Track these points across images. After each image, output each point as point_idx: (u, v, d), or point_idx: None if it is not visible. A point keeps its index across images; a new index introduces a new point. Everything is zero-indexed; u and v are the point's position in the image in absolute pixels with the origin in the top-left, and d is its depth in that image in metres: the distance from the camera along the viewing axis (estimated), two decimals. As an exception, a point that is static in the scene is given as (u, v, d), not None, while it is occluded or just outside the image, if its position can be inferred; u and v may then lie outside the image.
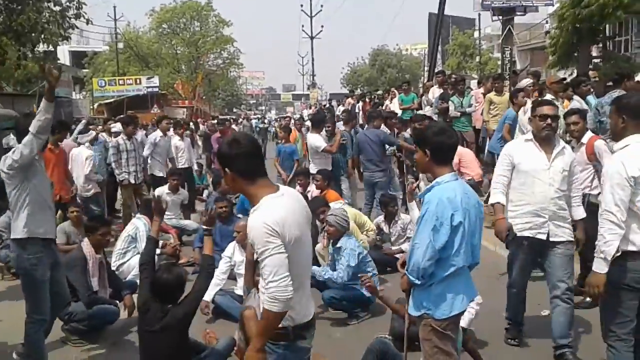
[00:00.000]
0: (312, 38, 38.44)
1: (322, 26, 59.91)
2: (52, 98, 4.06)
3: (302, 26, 41.32)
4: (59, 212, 7.31)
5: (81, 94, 47.75)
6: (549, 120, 4.25)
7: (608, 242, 3.27)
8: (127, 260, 6.38)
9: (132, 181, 8.80)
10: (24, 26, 17.49)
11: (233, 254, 5.62)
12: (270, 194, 2.56)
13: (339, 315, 5.31)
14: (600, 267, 3.32)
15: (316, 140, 8.36)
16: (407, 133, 11.51)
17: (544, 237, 4.30)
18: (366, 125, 9.56)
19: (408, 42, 65.84)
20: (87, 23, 21.54)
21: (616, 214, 3.26)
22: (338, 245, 5.23)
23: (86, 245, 5.07)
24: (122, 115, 24.45)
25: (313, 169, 8.26)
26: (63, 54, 51.18)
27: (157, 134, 9.95)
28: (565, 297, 4.28)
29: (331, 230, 5.29)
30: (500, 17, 10.69)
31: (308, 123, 15.01)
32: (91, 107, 38.67)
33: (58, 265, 4.33)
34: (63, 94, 36.82)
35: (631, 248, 3.31)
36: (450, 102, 10.47)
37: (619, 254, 3.30)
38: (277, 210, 2.49)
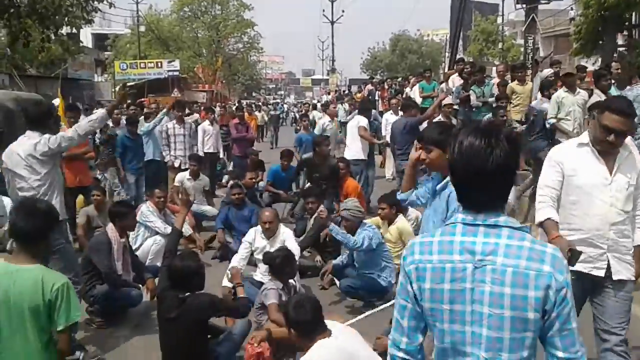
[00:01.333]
0: (332, 23, 38.27)
1: (342, 11, 59.30)
2: (112, 114, 4.53)
3: (323, 11, 41.19)
4: (80, 196, 7.48)
5: (103, 76, 48.14)
6: (611, 137, 3.22)
7: None
8: (139, 245, 6.54)
9: (177, 165, 9.37)
10: (48, 9, 17.67)
11: (254, 240, 5.71)
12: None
13: (356, 303, 5.40)
14: None
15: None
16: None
17: (601, 273, 3.38)
18: (400, 114, 9.44)
19: (429, 28, 65.01)
20: (110, 6, 21.67)
21: None
22: (355, 236, 5.30)
23: (111, 230, 5.21)
24: (142, 99, 24.69)
25: (349, 155, 8.75)
26: (85, 37, 51.54)
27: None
28: (620, 350, 3.36)
29: (348, 225, 5.37)
30: (524, 5, 10.56)
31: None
32: (113, 90, 39.01)
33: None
34: (85, 76, 37.32)
35: None
36: (471, 92, 10.41)
37: None
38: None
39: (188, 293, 3.94)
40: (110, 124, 9.95)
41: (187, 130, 9.70)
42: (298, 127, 12.40)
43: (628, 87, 7.42)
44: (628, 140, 3.43)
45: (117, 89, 37.48)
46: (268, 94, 73.81)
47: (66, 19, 19.88)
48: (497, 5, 35.33)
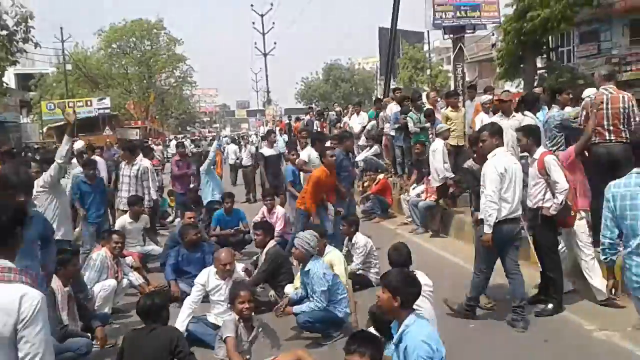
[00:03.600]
0: (265, 55, 38.60)
1: (274, 42, 60.33)
2: (72, 134, 5.60)
3: (255, 43, 41.43)
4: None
5: (29, 117, 46.34)
6: None
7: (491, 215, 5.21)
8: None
9: (122, 208, 9.01)
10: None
11: (207, 281, 5.59)
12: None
13: (314, 336, 5.37)
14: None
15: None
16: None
17: None
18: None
19: (360, 56, 66.84)
20: (36, 47, 21.20)
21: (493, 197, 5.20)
22: (306, 268, 5.30)
23: (55, 280, 4.98)
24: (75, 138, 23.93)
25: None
26: (8, 77, 49.48)
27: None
28: None
29: (297, 253, 5.37)
30: (452, 35, 11.09)
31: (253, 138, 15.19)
32: (40, 131, 37.59)
33: None
34: (10, 118, 35.73)
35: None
36: (408, 119, 10.75)
37: (497, 220, 5.21)
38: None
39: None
40: None
41: (135, 171, 9.29)
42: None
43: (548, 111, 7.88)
44: None
45: (44, 130, 36.20)
46: (203, 127, 73.15)
47: (-12, 60, 19.21)
48: (422, 33, 36.75)
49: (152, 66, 47.72)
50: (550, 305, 5.60)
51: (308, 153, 9.10)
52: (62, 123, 34.94)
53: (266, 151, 11.88)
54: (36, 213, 3.57)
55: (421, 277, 4.65)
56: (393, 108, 11.62)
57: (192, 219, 7.67)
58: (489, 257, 5.47)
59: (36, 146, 25.94)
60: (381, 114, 12.40)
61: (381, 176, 11.32)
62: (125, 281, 6.64)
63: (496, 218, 5.21)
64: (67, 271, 5.07)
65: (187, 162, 11.92)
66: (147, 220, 8.77)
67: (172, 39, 48.04)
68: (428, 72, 34.01)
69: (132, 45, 48.25)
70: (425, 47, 37.12)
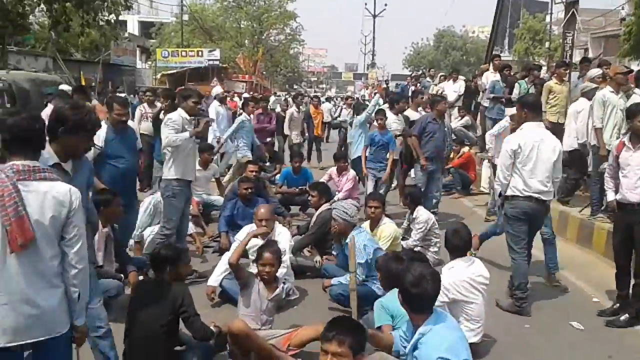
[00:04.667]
0: (374, 16, 37.62)
1: (385, 4, 58.69)
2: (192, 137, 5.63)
3: (365, 4, 40.48)
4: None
5: (147, 63, 48.81)
6: None
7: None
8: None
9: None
10: (85, -7, 17.82)
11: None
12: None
13: (347, 310, 5.00)
14: None
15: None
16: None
17: None
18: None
19: (475, 24, 63.52)
20: (149, -7, 21.81)
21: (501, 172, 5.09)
22: (347, 239, 4.91)
23: (94, 219, 4.97)
24: (182, 87, 24.85)
25: None
26: (132, 24, 52.52)
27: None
28: None
29: (336, 226, 4.98)
30: (564, 0, 9.89)
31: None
32: (154, 76, 39.44)
33: None
34: (128, 62, 37.82)
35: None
36: (516, 85, 9.85)
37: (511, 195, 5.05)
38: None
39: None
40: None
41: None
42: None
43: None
44: None
45: (158, 76, 37.95)
46: (309, 87, 73.60)
47: (105, 4, 20.06)
48: (546, 3, 34.00)
49: (264, 22, 48.21)
50: (625, 316, 4.83)
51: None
52: (174, 71, 36.67)
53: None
54: (85, 160, 3.41)
55: (477, 266, 4.14)
56: (489, 76, 10.66)
57: (253, 173, 7.48)
58: (515, 238, 5.14)
59: (146, 89, 27.17)
60: (478, 81, 11.42)
61: (465, 149, 10.52)
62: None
63: (506, 193, 5.03)
64: (108, 211, 5.02)
65: (269, 117, 11.81)
66: (216, 170, 8.73)
67: (285, -5, 48.12)
68: (547, 44, 31.46)
69: (246, 0, 48.95)
70: (548, 19, 34.35)
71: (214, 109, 11.46)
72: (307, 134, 13.97)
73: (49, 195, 2.59)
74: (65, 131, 3.02)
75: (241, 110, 12.71)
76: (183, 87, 16.34)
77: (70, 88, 7.69)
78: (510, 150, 4.98)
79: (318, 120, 14.58)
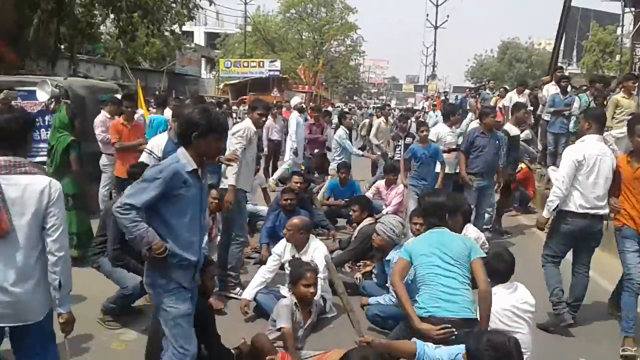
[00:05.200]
0: (436, 28, 37.04)
1: (447, 16, 57.89)
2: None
3: (427, 15, 39.95)
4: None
5: (211, 73, 50.04)
6: None
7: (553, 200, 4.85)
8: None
9: None
10: (148, 3, 18.34)
11: (284, 252, 5.23)
12: None
13: (384, 333, 4.73)
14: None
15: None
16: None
17: None
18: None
19: (542, 37, 61.47)
20: (210, 4, 22.31)
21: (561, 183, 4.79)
22: (387, 257, 4.65)
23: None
24: (244, 97, 25.09)
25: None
26: (199, 35, 54.09)
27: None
28: None
29: (378, 240, 4.71)
30: (633, 9, 9.27)
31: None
32: (217, 86, 40.33)
33: None
34: (192, 72, 38.86)
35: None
36: (576, 98, 9.29)
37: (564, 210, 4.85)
38: None
39: None
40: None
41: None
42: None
43: None
44: None
45: (220, 86, 38.78)
46: (369, 98, 73.34)
47: (169, 15, 20.63)
48: (617, 15, 32.37)
49: (325, 33, 48.52)
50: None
51: (436, 131, 8.24)
52: (236, 81, 37.41)
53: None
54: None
55: (521, 293, 3.81)
56: (550, 89, 10.12)
57: (297, 184, 7.32)
58: (556, 247, 5.02)
59: (210, 100, 27.77)
60: (539, 94, 10.87)
61: (523, 165, 9.99)
62: (219, 238, 6.51)
63: (559, 206, 4.82)
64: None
65: (321, 127, 11.66)
66: (262, 180, 8.65)
67: (346, 7, 48.30)
68: (617, 57, 29.87)
69: (308, 12, 49.45)
70: (619, 31, 32.69)
71: (295, 119, 11.53)
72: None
73: (29, 188, 2.74)
74: (197, 136, 3.05)
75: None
76: (245, 97, 16.19)
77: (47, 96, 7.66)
78: (575, 161, 4.75)
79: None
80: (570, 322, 4.85)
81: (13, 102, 7.47)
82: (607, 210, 4.81)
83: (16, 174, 2.75)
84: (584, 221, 4.74)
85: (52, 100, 7.48)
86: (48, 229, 2.78)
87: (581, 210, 4.74)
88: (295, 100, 13.07)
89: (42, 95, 7.45)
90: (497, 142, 7.25)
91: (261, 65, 39.84)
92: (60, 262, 2.79)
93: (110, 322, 4.79)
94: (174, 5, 20.80)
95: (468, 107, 15.65)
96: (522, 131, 11.42)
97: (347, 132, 11.08)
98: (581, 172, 4.72)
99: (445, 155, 7.76)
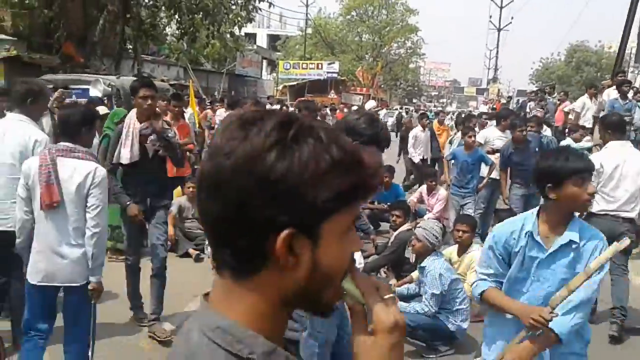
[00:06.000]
0: (499, 30, 36.08)
1: (512, 17, 56.36)
2: None
3: (490, 17, 38.95)
4: (178, 187, 7.48)
5: (271, 75, 50.67)
6: None
7: None
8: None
9: None
10: (209, 6, 18.73)
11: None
12: None
13: (417, 344, 4.57)
14: None
15: None
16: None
17: None
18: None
19: (614, 40, 58.69)
20: (270, 5, 22.59)
21: None
22: (423, 264, 4.48)
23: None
24: (302, 98, 25.42)
25: None
26: (262, 37, 54.93)
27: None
28: None
29: (417, 245, 4.54)
30: None
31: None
32: (276, 87, 40.82)
33: None
34: (252, 73, 39.48)
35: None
36: (637, 109, 8.76)
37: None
38: None
39: None
40: None
41: None
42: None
43: None
44: None
45: (279, 87, 39.22)
46: (429, 101, 72.29)
47: (228, 16, 21.00)
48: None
49: (385, 35, 48.16)
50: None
51: (485, 135, 7.96)
52: (295, 83, 37.73)
53: None
54: None
55: None
56: (611, 93, 9.51)
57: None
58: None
59: (267, 100, 28.10)
60: (599, 99, 10.24)
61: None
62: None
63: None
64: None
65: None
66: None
67: (408, 9, 47.78)
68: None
69: (369, 14, 49.24)
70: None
71: None
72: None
73: (77, 170, 3.27)
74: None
75: None
76: (303, 98, 16.28)
77: (100, 95, 7.75)
78: (594, 172, 4.68)
79: (443, 139, 12.33)
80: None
81: (68, 100, 7.73)
82: (632, 214, 4.75)
83: (70, 157, 3.29)
84: (604, 222, 4.60)
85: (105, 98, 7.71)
86: (89, 207, 3.26)
87: (601, 212, 4.77)
88: (370, 104, 12.87)
89: (95, 93, 7.70)
90: (540, 147, 6.85)
91: (320, 67, 40.02)
92: (95, 237, 3.26)
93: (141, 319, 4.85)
94: (233, 7, 21.17)
95: (528, 110, 15.09)
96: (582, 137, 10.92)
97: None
98: (600, 180, 4.74)
99: (491, 156, 7.42)
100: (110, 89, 7.88)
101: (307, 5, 45.09)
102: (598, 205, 4.77)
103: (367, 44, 49.32)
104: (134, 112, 4.53)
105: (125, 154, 4.40)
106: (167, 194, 5.00)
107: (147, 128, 4.40)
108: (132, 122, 4.44)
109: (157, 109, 4.72)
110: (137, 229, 4.65)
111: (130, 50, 19.74)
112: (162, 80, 14.88)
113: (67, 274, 3.26)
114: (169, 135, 4.50)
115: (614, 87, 9.59)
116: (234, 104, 9.70)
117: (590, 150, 9.25)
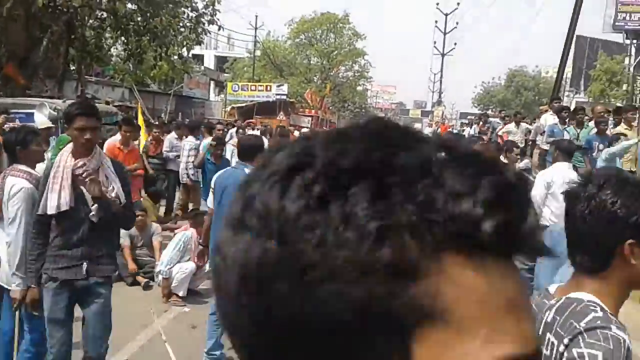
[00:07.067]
0: (443, 55, 37.32)
1: (455, 43, 58.31)
2: None
3: (435, 43, 40.28)
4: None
5: (219, 96, 50.43)
6: None
7: None
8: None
9: None
10: (157, 27, 18.60)
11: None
12: None
13: None
14: None
15: None
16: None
17: None
18: None
19: (550, 65, 61.71)
20: (219, 29, 22.63)
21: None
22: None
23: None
24: (250, 120, 25.33)
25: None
26: (209, 58, 54.72)
27: None
28: None
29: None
30: (635, 41, 9.28)
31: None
32: (224, 109, 40.67)
33: None
34: (199, 95, 39.26)
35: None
36: (565, 132, 9.26)
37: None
38: None
39: None
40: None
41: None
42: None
43: None
44: None
45: (227, 109, 39.10)
46: (376, 124, 73.29)
47: (177, 38, 20.90)
48: (625, 45, 32.52)
49: (333, 59, 48.94)
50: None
51: None
52: (243, 104, 37.72)
53: None
54: None
55: None
56: (548, 119, 10.09)
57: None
58: None
59: (215, 121, 27.93)
60: (535, 124, 10.86)
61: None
62: (207, 267, 6.48)
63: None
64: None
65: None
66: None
67: (355, 34, 48.81)
68: (624, 87, 29.92)
69: (317, 37, 49.98)
70: (627, 61, 32.82)
71: None
72: None
73: (7, 187, 3.61)
74: None
75: None
76: (251, 120, 16.21)
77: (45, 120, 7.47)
78: (545, 183, 5.70)
79: None
80: None
81: (12, 124, 7.52)
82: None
83: (10, 176, 3.65)
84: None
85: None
86: (5, 220, 3.61)
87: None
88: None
89: (40, 118, 7.51)
90: None
91: (268, 89, 40.19)
92: (7, 246, 3.60)
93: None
94: (182, 29, 21.10)
95: (472, 133, 15.67)
96: (520, 161, 11.45)
97: None
98: (550, 192, 5.51)
99: None
100: (55, 113, 7.71)
101: (255, 28, 45.37)
102: (548, 215, 5.53)
103: (316, 67, 49.97)
104: (68, 147, 3.47)
105: (53, 200, 3.27)
106: (113, 259, 3.68)
107: (82, 166, 3.30)
108: (63, 159, 3.36)
109: (102, 151, 3.77)
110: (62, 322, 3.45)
111: (73, 72, 19.34)
112: (107, 102, 14.64)
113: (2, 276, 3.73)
114: (111, 201, 3.38)
115: (551, 112, 10.17)
116: (194, 128, 9.55)
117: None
